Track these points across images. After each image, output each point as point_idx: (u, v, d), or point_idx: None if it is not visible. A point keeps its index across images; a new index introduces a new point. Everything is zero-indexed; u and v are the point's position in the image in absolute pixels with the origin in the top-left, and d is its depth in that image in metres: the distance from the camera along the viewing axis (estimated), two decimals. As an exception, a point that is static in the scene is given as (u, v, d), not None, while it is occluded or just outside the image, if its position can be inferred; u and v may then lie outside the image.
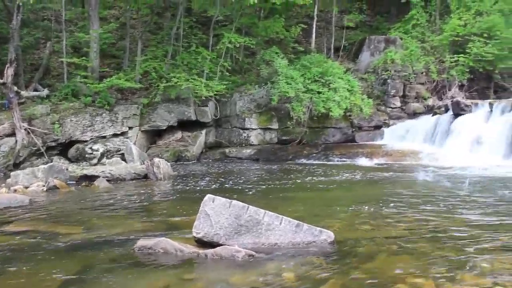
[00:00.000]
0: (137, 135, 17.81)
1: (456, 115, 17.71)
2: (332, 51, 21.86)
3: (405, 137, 18.63)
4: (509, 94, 19.36)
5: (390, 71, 20.04)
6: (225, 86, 18.10)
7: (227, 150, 18.41)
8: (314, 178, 12.85)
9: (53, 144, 16.09)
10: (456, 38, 20.44)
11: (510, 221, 7.24)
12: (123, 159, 15.50)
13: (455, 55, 20.22)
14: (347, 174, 13.32)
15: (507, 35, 19.94)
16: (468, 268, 5.07)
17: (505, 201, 8.96)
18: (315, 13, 21.10)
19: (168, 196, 10.79)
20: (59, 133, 16.06)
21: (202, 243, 5.81)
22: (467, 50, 20.00)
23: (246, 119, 18.82)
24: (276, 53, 19.02)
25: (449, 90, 20.18)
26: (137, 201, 9.85)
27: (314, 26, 21.32)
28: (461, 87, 20.21)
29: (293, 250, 5.69)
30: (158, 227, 7.29)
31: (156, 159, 13.51)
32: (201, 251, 5.55)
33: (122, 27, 20.41)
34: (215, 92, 17.79)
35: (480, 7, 21.18)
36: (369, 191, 10.82)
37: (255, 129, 18.90)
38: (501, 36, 19.87)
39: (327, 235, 5.90)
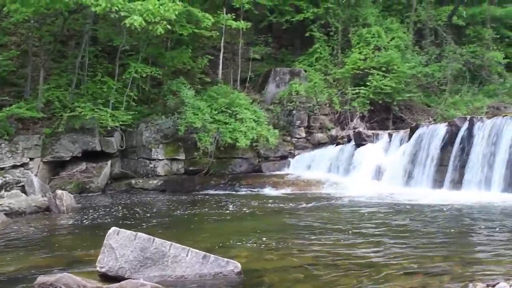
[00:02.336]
0: (38, 166, 17.14)
1: (358, 145, 18.37)
2: (239, 82, 22.09)
3: (310, 166, 19.05)
4: (406, 125, 20.27)
5: (295, 102, 20.49)
6: (131, 117, 17.85)
7: (133, 181, 18.09)
8: (221, 208, 12.89)
9: None
10: (357, 71, 21.27)
11: (408, 248, 7.56)
12: (24, 192, 14.86)
13: (356, 88, 21.02)
14: (254, 204, 13.45)
15: (403, 69, 21.03)
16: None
17: (404, 228, 9.36)
18: (222, 44, 21.33)
19: (71, 229, 10.47)
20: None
21: (107, 278, 5.68)
22: (367, 83, 20.83)
23: (153, 149, 18.62)
24: (183, 83, 19.01)
25: (351, 121, 20.87)
26: (37, 235, 9.49)
27: (221, 57, 21.53)
28: (362, 118, 20.96)
29: (200, 282, 5.67)
30: (60, 262, 7.06)
31: (59, 191, 13.09)
32: (105, 286, 5.42)
33: (24, 54, 19.75)
34: (121, 122, 17.51)
35: (379, 42, 22.22)
36: (275, 220, 10.97)
37: (161, 159, 18.72)
38: (398, 70, 20.92)
39: (234, 266, 5.93)
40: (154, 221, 11.07)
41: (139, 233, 5.91)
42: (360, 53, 21.74)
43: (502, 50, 25.06)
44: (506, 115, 15.08)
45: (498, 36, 25.71)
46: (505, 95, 22.98)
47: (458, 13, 26.10)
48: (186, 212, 12.33)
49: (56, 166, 17.77)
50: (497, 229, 9.09)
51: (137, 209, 13.03)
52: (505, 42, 26.27)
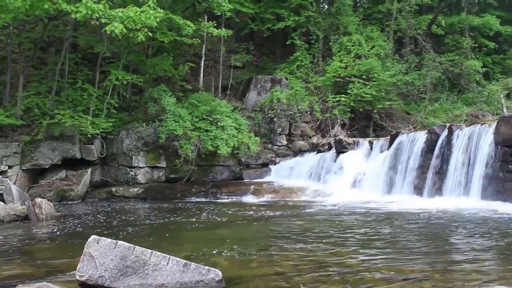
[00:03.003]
0: (17, 174, 16.96)
1: (339, 152, 18.46)
2: (220, 89, 22.10)
3: (291, 174, 19.09)
4: (387, 132, 20.44)
5: (276, 110, 20.55)
6: (112, 124, 17.78)
7: (113, 189, 17.97)
8: (202, 216, 12.86)
9: None
10: (338, 79, 21.40)
11: (389, 254, 7.61)
12: (2, 200, 14.68)
13: (337, 95, 21.14)
14: (235, 212, 13.44)
15: (384, 77, 21.22)
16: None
17: (384, 235, 9.42)
18: (203, 52, 21.35)
19: (50, 238, 10.36)
20: None
21: (86, 287, 5.64)
22: (348, 91, 20.97)
23: (134, 157, 18.54)
24: (164, 91, 18.97)
25: (332, 128, 20.99)
26: (16, 244, 9.38)
27: (202, 65, 21.55)
28: (343, 125, 21.09)
29: (180, 291, 5.65)
30: (39, 271, 6.99)
31: (38, 199, 12.95)
32: (85, 295, 5.39)
33: (3, 61, 19.58)
34: (102, 130, 17.42)
35: (359, 51, 22.39)
36: (256, 228, 10.98)
37: (142, 167, 18.64)
38: (378, 78, 21.10)
39: (215, 274, 5.91)
40: (135, 229, 11.01)
41: (120, 242, 5.87)
42: (341, 61, 21.89)
43: (480, 59, 25.46)
44: (484, 123, 15.25)
45: (476, 45, 26.11)
46: (483, 103, 23.27)
47: (437, 22, 26.49)
48: (167, 220, 12.27)
49: (36, 174, 17.61)
50: (476, 235, 9.18)
51: (118, 217, 12.95)
52: (483, 51, 26.69)
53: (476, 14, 27.08)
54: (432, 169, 15.27)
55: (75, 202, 16.77)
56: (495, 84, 24.39)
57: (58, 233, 10.78)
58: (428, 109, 22.76)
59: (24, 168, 17.12)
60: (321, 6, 26.22)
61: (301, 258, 7.37)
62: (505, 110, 21.46)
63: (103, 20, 14.55)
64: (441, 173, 15.03)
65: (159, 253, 5.90)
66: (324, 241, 8.79)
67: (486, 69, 25.67)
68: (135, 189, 17.97)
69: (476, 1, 26.32)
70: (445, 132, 15.39)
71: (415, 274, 6.36)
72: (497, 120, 14.45)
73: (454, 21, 26.92)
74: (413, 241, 8.84)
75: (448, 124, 16.12)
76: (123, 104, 19.64)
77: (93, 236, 5.91)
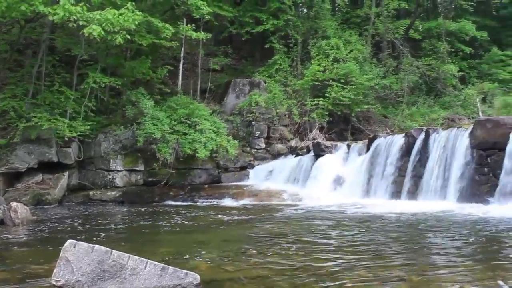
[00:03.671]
0: (-8, 178, 16.76)
1: (317, 156, 18.53)
2: (199, 93, 22.05)
3: (269, 177, 19.10)
4: (365, 136, 20.56)
5: (255, 113, 20.57)
6: (89, 127, 17.62)
7: (91, 193, 17.84)
8: (180, 219, 12.81)
9: None
10: (316, 83, 21.48)
11: (366, 257, 7.65)
12: (-24, 204, 14.51)
13: (316, 99, 21.22)
14: (213, 215, 13.42)
15: (361, 81, 21.36)
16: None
17: (361, 238, 9.47)
18: (182, 55, 21.29)
19: (26, 242, 10.24)
20: None
21: (63, 291, 5.58)
22: (326, 94, 21.06)
23: (111, 160, 18.40)
24: (143, 94, 18.88)
25: (311, 131, 21.06)
26: (-9, 249, 9.25)
27: (181, 68, 21.47)
28: (321, 129, 21.17)
29: (158, 295, 5.62)
30: (15, 276, 6.89)
31: (14, 204, 12.77)
32: (61, 300, 5.33)
33: (-22, 64, 19.34)
34: (79, 133, 17.26)
35: (337, 54, 22.52)
36: (234, 231, 10.97)
37: (120, 170, 18.52)
38: (356, 82, 21.23)
39: (193, 278, 5.89)
40: (112, 233, 10.94)
41: (97, 246, 5.83)
42: (319, 64, 21.99)
43: (457, 63, 25.77)
44: (460, 127, 15.45)
45: (452, 50, 26.44)
46: (459, 107, 23.55)
47: (414, 27, 26.74)
48: (144, 224, 12.21)
49: (11, 178, 17.36)
50: (452, 238, 9.28)
51: (95, 221, 12.85)
52: (459, 56, 27.03)
53: (452, 19, 27.39)
54: (410, 172, 15.42)
55: (51, 206, 16.59)
56: (471, 88, 24.69)
57: (34, 237, 10.66)
58: (405, 113, 22.96)
59: (0, 171, 16.89)
60: (300, 10, 26.30)
61: (279, 262, 7.38)
62: (480, 114, 21.75)
63: (81, 23, 14.45)
64: (419, 176, 15.19)
65: (137, 257, 5.86)
66: (302, 244, 8.82)
67: (462, 73, 25.98)
68: (113, 193, 17.85)
69: (453, 6, 26.61)
70: (422, 136, 15.55)
71: (392, 277, 6.40)
72: (473, 124, 14.66)
73: (431, 26, 27.19)
74: (391, 244, 8.90)
75: (425, 128, 16.30)
76: (101, 107, 19.47)
77: (69, 240, 5.86)
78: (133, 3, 15.69)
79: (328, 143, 19.04)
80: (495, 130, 13.67)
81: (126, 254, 5.83)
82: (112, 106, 20.03)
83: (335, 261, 7.38)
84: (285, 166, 19.31)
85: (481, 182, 13.62)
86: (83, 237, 9.68)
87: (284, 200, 16.43)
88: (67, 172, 17.97)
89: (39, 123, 16.48)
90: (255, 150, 20.57)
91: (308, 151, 19.41)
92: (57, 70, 19.53)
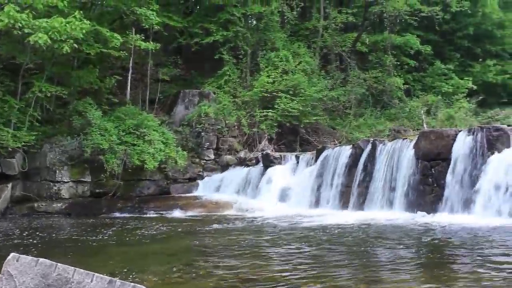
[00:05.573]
0: None
1: (266, 167, 18.63)
2: (147, 103, 21.83)
3: (219, 188, 19.09)
4: (313, 147, 20.76)
5: (204, 124, 20.52)
6: (34, 137, 17.21)
7: (36, 205, 17.40)
8: (128, 232, 12.65)
9: None
10: (265, 94, 21.63)
11: (313, 267, 7.72)
12: None
13: (265, 110, 21.36)
14: (162, 227, 13.30)
15: (310, 92, 21.63)
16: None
17: (309, 248, 9.55)
18: (131, 65, 21.07)
19: (-34, 256, 9.91)
20: None
21: (5, 307, 5.42)
22: (275, 106, 21.24)
23: (57, 171, 18.01)
24: (90, 104, 18.59)
25: (260, 143, 21.15)
26: None
27: (129, 78, 21.22)
28: (270, 140, 21.29)
29: (104, 308, 5.52)
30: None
31: (-46, 216, 12.39)
32: (3, 316, 5.18)
33: None
34: (23, 143, 16.83)
35: (286, 66, 22.75)
36: (182, 243, 10.91)
37: (66, 182, 18.13)
38: (304, 93, 21.50)
39: (141, 291, 5.81)
40: (58, 246, 10.71)
41: (41, 259, 5.67)
42: (268, 76, 22.15)
43: (402, 76, 26.40)
44: (406, 138, 15.81)
45: (398, 63, 27.04)
46: (405, 119, 24.11)
47: (361, 40, 27.24)
48: (91, 236, 12.00)
49: (-49, 189, 16.82)
50: (398, 246, 9.46)
51: (40, 234, 12.54)
52: (404, 69, 27.67)
53: (397, 33, 28.02)
54: (357, 183, 15.64)
55: (-6, 218, 16.11)
56: (416, 101, 25.35)
57: (-25, 251, 10.33)
58: (353, 124, 23.34)
59: None
60: (250, 21, 26.44)
61: (227, 273, 7.37)
62: (425, 125, 22.32)
63: (26, 30, 14.19)
64: (366, 187, 15.42)
65: (83, 271, 5.74)
66: (249, 256, 8.83)
67: (408, 86, 26.63)
68: (59, 205, 17.47)
69: (398, 21, 27.24)
70: (369, 147, 15.82)
71: (340, 286, 6.47)
72: (417, 136, 15.01)
73: (378, 40, 27.77)
74: (338, 254, 9.01)
75: (372, 139, 16.61)
76: (47, 117, 19.07)
77: (12, 254, 5.69)
78: (81, 12, 15.50)
79: (277, 154, 19.18)
80: (439, 142, 14.05)
81: (72, 267, 5.71)
82: (58, 116, 19.63)
83: (282, 273, 7.42)
84: (234, 177, 19.33)
85: (425, 192, 13.95)
86: (27, 250, 9.45)
87: (233, 211, 16.42)
88: (11, 183, 17.49)
89: (-19, 133, 16.02)
90: (204, 161, 20.51)
91: (257, 162, 19.48)
92: (1, 79, 19.01)
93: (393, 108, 25.36)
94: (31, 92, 17.50)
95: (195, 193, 19.08)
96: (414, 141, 14.76)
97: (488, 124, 19.27)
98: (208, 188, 19.27)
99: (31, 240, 11.52)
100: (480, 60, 30.16)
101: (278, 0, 24.56)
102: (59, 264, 5.70)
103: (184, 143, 20.33)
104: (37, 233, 12.74)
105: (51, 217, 16.55)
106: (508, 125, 15.58)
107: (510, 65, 30.03)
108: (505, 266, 7.50)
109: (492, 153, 13.03)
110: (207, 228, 12.89)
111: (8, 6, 14.17)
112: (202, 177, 20.02)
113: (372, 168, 15.52)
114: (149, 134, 18.34)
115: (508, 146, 13.04)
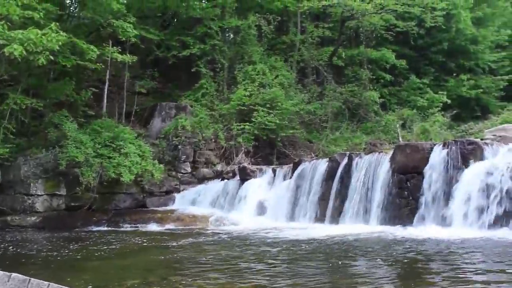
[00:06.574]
0: None
1: (243, 180, 18.64)
2: (124, 116, 21.73)
3: (195, 202, 19.05)
4: (290, 160, 20.82)
5: (181, 137, 20.47)
6: (8, 150, 16.98)
7: (9, 218, 17.14)
8: (104, 245, 12.53)
9: None
10: (242, 108, 21.70)
11: (289, 282, 7.72)
12: None
13: (242, 123, 21.42)
14: (138, 241, 13.21)
15: (287, 106, 21.76)
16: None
17: (285, 262, 9.56)
18: (107, 77, 20.95)
19: None
20: None
21: (-23, 323, 5.34)
22: (252, 119, 21.31)
23: (32, 184, 17.77)
24: (66, 116, 18.43)
25: (237, 156, 21.18)
26: None
27: (106, 90, 21.10)
28: (247, 153, 21.33)
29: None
30: None
31: None
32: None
33: None
34: (-3, 156, 16.66)
35: (263, 80, 22.87)
36: (158, 257, 10.82)
37: (41, 195, 17.90)
38: (281, 107, 21.61)
39: (116, 305, 5.78)
40: (31, 260, 10.56)
41: (14, 274, 5.61)
42: (245, 89, 22.23)
43: (378, 90, 26.70)
44: (381, 151, 15.96)
45: (374, 77, 27.36)
46: (381, 132, 24.34)
47: (338, 54, 27.48)
48: (66, 250, 11.86)
49: None
50: (374, 259, 9.51)
51: (13, 248, 12.35)
52: (380, 83, 27.95)
53: (373, 48, 28.35)
54: (333, 196, 15.73)
55: (-35, 232, 15.84)
56: (392, 114, 25.61)
57: None
58: (329, 138, 23.50)
59: None
60: (227, 35, 26.58)
61: (204, 287, 7.34)
62: (400, 139, 22.54)
63: (1, 41, 14.05)
64: (342, 200, 15.51)
65: (57, 285, 5.68)
66: (225, 270, 8.81)
67: (383, 100, 26.91)
68: (33, 218, 17.25)
69: (374, 35, 27.57)
70: (345, 160, 15.93)
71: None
72: (393, 149, 15.17)
73: (354, 54, 28.06)
74: (314, 268, 9.03)
75: (348, 152, 16.75)
76: (21, 129, 18.85)
77: (-15, 269, 5.62)
78: (57, 24, 15.40)
79: (254, 168, 19.21)
80: (414, 155, 14.21)
81: (46, 282, 5.65)
82: (33, 128, 19.44)
83: (258, 286, 7.41)
84: (211, 190, 19.32)
85: (401, 205, 14.07)
86: (-1, 265, 9.31)
87: (209, 224, 16.39)
88: (-17, 197, 17.25)
89: (-47, 146, 15.79)
90: (181, 174, 20.45)
91: (234, 176, 19.47)
92: (-25, 91, 18.83)
93: (369, 122, 25.59)
94: (6, 104, 17.30)
95: (171, 207, 19.01)
96: (390, 155, 14.90)
97: (462, 137, 19.54)
98: (184, 202, 19.21)
99: (4, 255, 11.36)
100: (454, 74, 30.57)
101: (255, 14, 24.71)
102: (32, 278, 5.64)
103: (161, 156, 20.25)
104: (10, 247, 12.55)
105: (25, 231, 16.32)
106: (481, 139, 15.84)
107: (483, 80, 30.53)
108: (479, 277, 7.60)
109: (466, 167, 13.22)
110: (183, 242, 12.82)
111: (-18, 17, 14.05)
112: (178, 191, 19.96)
113: (348, 181, 15.62)
114: (126, 147, 18.23)
115: (482, 160, 13.25)
